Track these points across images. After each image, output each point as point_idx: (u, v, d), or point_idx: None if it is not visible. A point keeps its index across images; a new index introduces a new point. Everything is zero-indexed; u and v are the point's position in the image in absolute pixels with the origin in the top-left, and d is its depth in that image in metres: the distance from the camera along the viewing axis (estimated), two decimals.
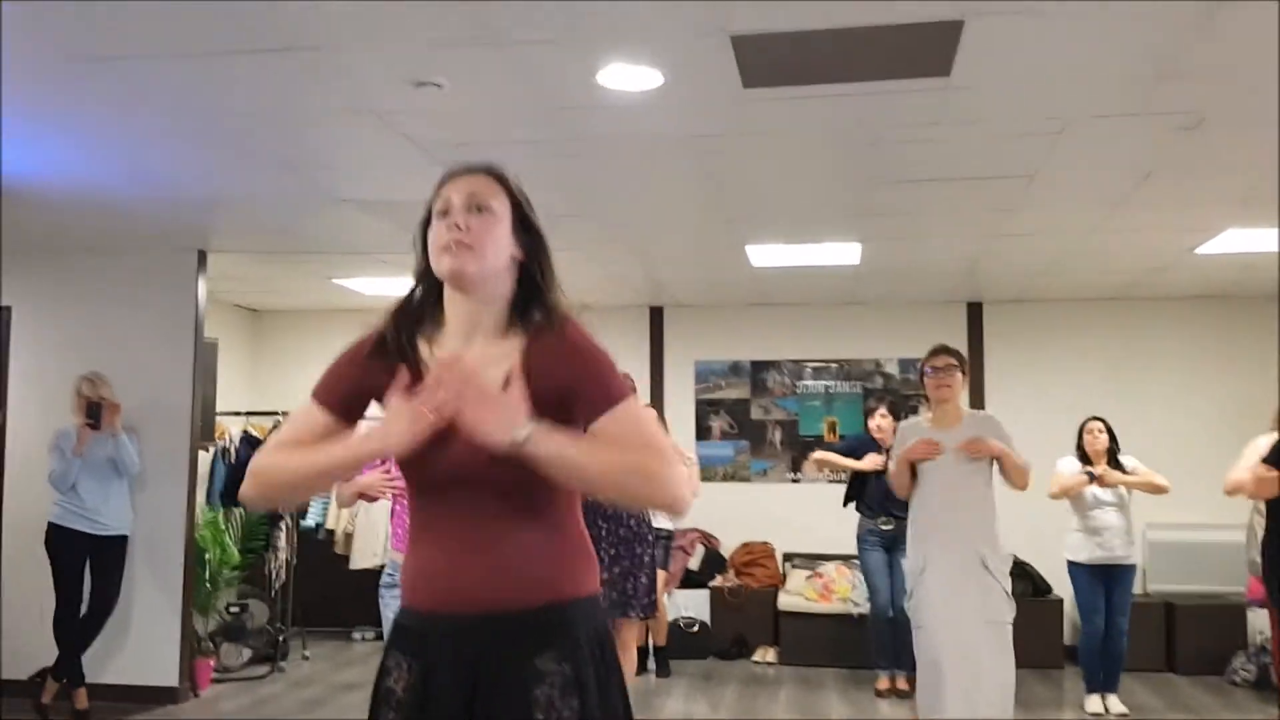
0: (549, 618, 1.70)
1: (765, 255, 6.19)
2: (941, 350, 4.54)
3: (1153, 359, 7.67)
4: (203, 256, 6.22)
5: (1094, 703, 5.85)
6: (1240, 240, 5.70)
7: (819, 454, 6.65)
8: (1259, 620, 6.58)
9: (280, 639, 6.93)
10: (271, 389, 8.55)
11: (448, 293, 1.81)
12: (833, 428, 8.08)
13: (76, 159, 4.39)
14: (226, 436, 7.30)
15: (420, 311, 1.85)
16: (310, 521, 7.63)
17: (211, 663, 6.49)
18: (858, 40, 3.12)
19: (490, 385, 1.66)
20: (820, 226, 5.55)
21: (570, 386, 1.71)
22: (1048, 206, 5.03)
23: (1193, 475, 6.30)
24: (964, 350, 7.77)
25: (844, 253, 6.16)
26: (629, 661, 4.91)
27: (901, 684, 6.19)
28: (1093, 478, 5.73)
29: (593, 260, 6.45)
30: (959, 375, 4.47)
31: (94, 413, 5.59)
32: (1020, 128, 3.91)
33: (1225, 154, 4.21)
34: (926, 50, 3.19)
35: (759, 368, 8.20)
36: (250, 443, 7.25)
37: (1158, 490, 5.75)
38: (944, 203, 5.02)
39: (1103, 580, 5.79)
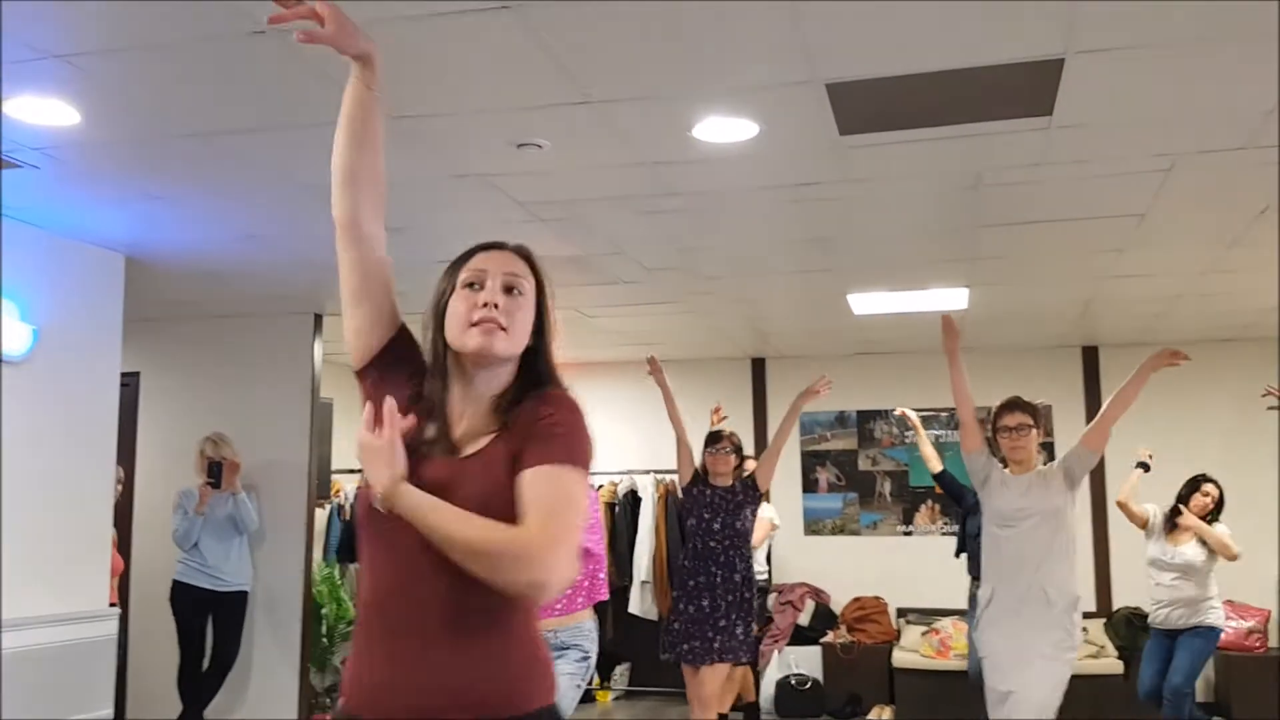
0: None
1: (868, 303, 6.13)
2: (1015, 406, 4.28)
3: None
4: (318, 319, 6.45)
5: None
6: None
7: (903, 410, 6.16)
8: None
9: None
10: None
11: (455, 365, 1.77)
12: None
13: (195, 230, 4.61)
14: (342, 494, 7.49)
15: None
16: None
17: (328, 717, 6.59)
18: (955, 82, 3.09)
19: (376, 439, 1.63)
20: (924, 272, 5.48)
21: (522, 441, 1.65)
22: (1160, 246, 4.87)
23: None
24: (1081, 396, 7.60)
25: (950, 298, 6.06)
26: (705, 708, 4.88)
27: None
28: (1146, 468, 5.70)
29: (692, 313, 6.47)
30: (1033, 433, 4.21)
31: (215, 472, 5.81)
32: (1127, 166, 3.81)
33: None
34: (1027, 90, 3.14)
35: (865, 418, 8.07)
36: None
37: (1226, 553, 5.48)
38: (1052, 244, 4.90)
39: (1171, 644, 5.57)
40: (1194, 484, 5.70)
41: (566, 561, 1.54)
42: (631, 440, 7.66)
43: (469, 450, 1.69)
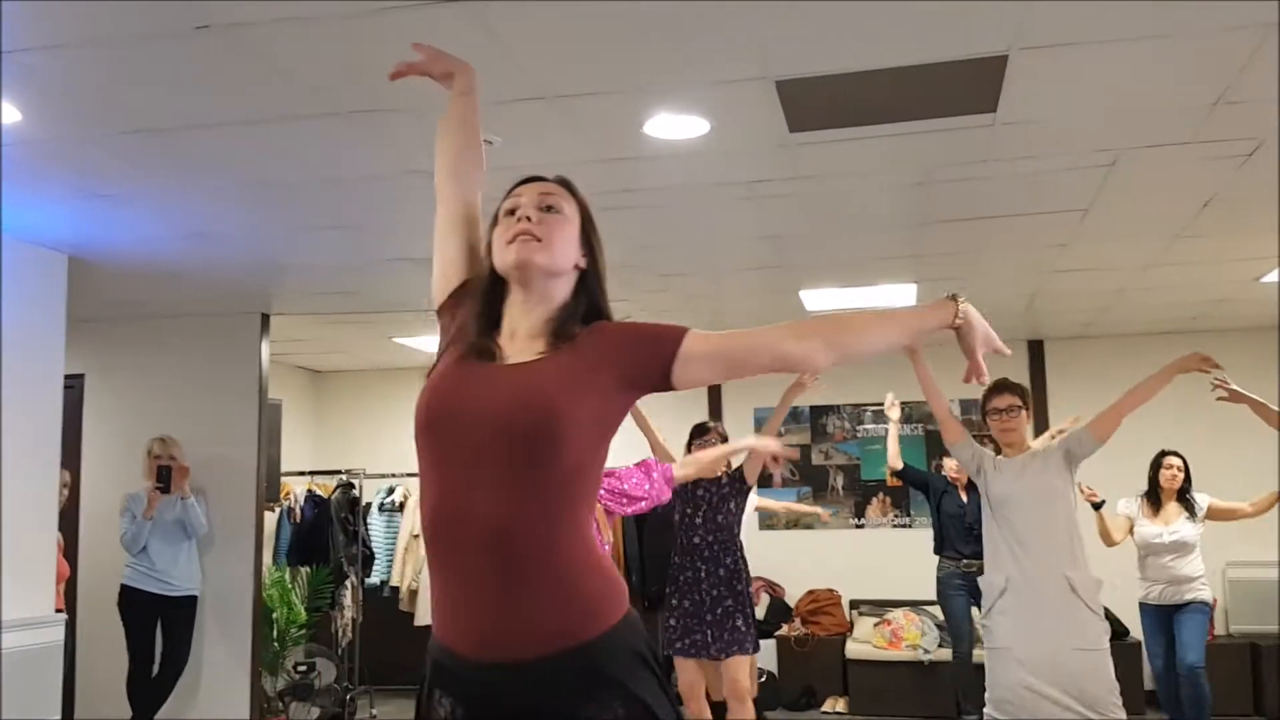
0: (584, 661, 1.60)
1: (819, 299, 6.18)
2: (1003, 388, 4.26)
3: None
4: (266, 319, 6.37)
5: None
6: None
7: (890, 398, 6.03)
8: None
9: (348, 697, 6.96)
10: (334, 448, 8.70)
11: (510, 293, 1.78)
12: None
13: (140, 229, 4.54)
14: (291, 496, 7.41)
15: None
16: (375, 579, 7.69)
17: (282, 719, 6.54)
18: (901, 80, 3.14)
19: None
20: (874, 268, 5.54)
21: (617, 360, 1.68)
22: (1104, 240, 4.97)
23: (1271, 511, 6.10)
24: (1027, 388, 7.71)
25: (899, 294, 6.13)
26: (740, 701, 4.87)
27: None
28: (1098, 506, 5.62)
29: (646, 310, 6.49)
30: (1023, 414, 4.21)
31: (164, 476, 5.72)
32: (1071, 161, 3.88)
33: None
34: (971, 87, 3.19)
35: (818, 413, 8.14)
36: (314, 501, 7.36)
37: (1240, 513, 5.62)
38: (997, 240, 4.98)
39: (1167, 619, 5.67)
40: (1157, 462, 5.81)
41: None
42: None
43: (512, 360, 1.70)
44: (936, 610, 7.26)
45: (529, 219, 1.74)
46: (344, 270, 5.37)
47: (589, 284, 1.80)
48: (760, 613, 7.57)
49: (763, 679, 7.22)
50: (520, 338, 1.74)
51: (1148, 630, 5.79)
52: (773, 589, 7.80)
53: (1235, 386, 4.58)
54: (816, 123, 3.48)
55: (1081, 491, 5.61)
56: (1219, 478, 6.21)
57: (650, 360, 1.69)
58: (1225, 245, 5.14)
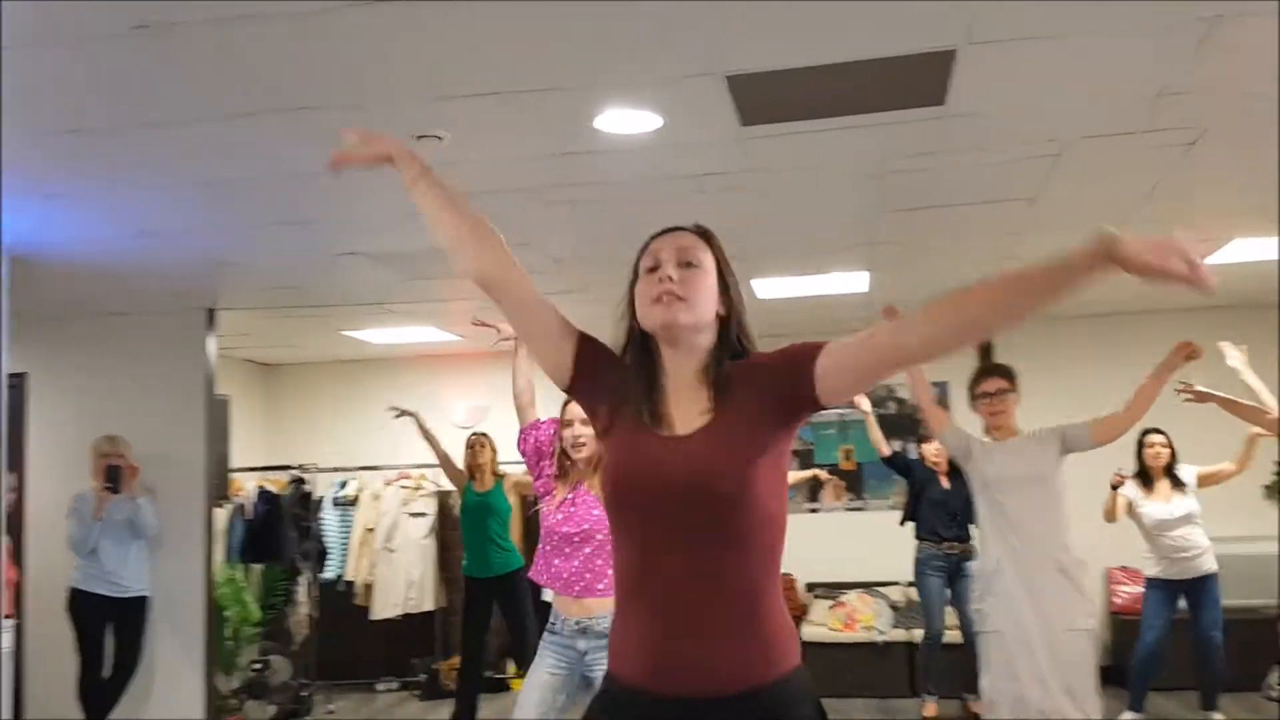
0: (767, 700, 1.67)
1: (771, 288, 6.21)
2: (991, 372, 4.29)
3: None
4: (212, 315, 6.27)
5: None
6: (1248, 250, 5.69)
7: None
8: None
9: (304, 694, 6.90)
10: (285, 443, 8.59)
11: (655, 352, 1.84)
12: (849, 455, 8.06)
13: (83, 226, 4.44)
14: (242, 493, 7.32)
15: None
16: (330, 574, 7.63)
17: (238, 718, 6.46)
18: (851, 74, 3.15)
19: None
20: (826, 257, 5.57)
21: (771, 387, 1.73)
22: (1052, 228, 5.03)
23: (1215, 488, 6.24)
24: (1015, 370, 7.80)
25: (852, 281, 6.17)
26: None
27: (931, 710, 6.15)
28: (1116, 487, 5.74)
29: (600, 303, 6.44)
30: (1012, 396, 4.23)
31: (113, 476, 5.61)
32: (1019, 152, 3.93)
33: (1227, 167, 4.21)
34: (920, 81, 3.21)
35: None
36: (266, 498, 7.27)
37: (1225, 474, 5.75)
38: (948, 229, 5.03)
39: (1175, 593, 5.79)
40: (1141, 442, 5.92)
41: None
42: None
43: (686, 429, 1.74)
44: (890, 592, 7.37)
45: (670, 278, 1.77)
46: (292, 265, 5.30)
47: (730, 329, 1.84)
48: None
49: None
50: (681, 392, 1.79)
51: (1155, 603, 5.83)
52: None
53: (1201, 388, 4.68)
54: (768, 116, 3.48)
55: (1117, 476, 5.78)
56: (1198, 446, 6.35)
57: (795, 385, 1.72)
58: (1168, 230, 5.19)
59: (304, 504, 7.34)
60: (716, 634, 1.66)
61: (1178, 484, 5.80)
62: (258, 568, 7.23)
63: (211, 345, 6.29)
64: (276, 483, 7.45)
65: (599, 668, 3.36)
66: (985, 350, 7.21)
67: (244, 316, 6.59)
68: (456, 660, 6.90)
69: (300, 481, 7.38)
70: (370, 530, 7.57)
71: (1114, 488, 5.78)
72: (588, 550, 3.50)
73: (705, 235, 1.87)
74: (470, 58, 2.92)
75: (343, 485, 7.87)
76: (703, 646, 1.66)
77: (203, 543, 6.12)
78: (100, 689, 5.64)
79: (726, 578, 1.67)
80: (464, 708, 5.96)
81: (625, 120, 3.46)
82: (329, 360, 8.65)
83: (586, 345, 1.91)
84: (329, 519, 7.77)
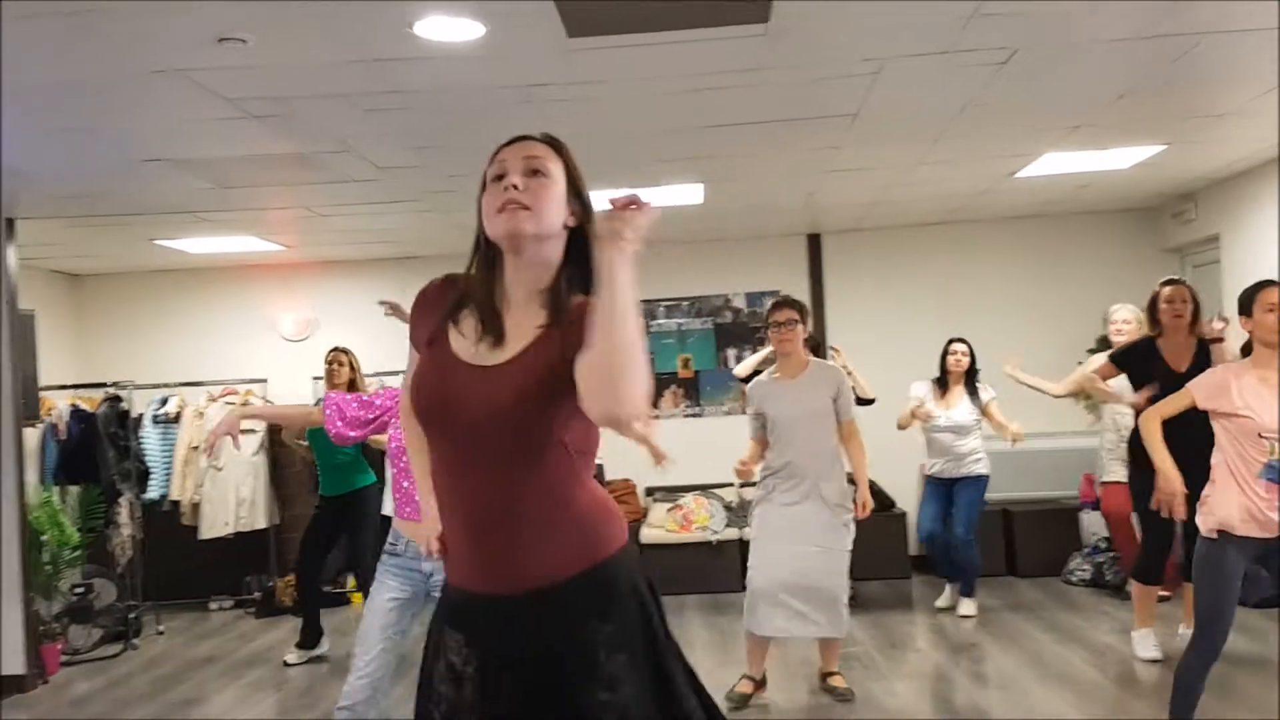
0: (588, 584, 1.77)
1: (604, 200, 6.16)
2: (783, 304, 4.65)
3: (981, 277, 8.02)
4: (11, 224, 5.84)
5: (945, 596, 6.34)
6: (1059, 163, 5.97)
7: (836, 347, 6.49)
8: (1092, 523, 7.05)
9: (131, 616, 6.70)
10: (99, 358, 8.16)
11: (501, 262, 1.82)
12: (687, 364, 8.21)
13: None
14: (54, 412, 6.93)
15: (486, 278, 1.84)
16: (154, 494, 7.36)
17: (60, 646, 6.23)
18: None
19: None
20: (659, 169, 5.56)
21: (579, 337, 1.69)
22: (872, 143, 5.16)
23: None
24: (805, 280, 8.06)
25: (687, 193, 6.20)
26: None
27: None
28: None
29: (434, 210, 6.32)
30: (799, 328, 4.59)
31: None
32: (839, 70, 3.99)
33: (1038, 84, 4.37)
34: None
35: None
36: (80, 417, 6.91)
37: (1005, 431, 6.06)
38: (774, 143, 5.09)
39: (947, 491, 6.21)
40: (945, 349, 6.25)
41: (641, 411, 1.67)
42: (386, 342, 7.24)
43: (513, 349, 1.76)
44: (724, 493, 7.62)
45: (515, 187, 1.75)
46: (93, 172, 4.97)
47: (581, 241, 1.82)
48: None
49: None
50: (518, 304, 1.80)
51: (926, 497, 6.29)
52: None
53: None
54: (594, 29, 3.42)
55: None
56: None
57: (577, 347, 1.69)
58: (983, 144, 5.42)
59: (121, 422, 7.00)
60: (526, 540, 1.74)
61: (973, 393, 6.16)
62: (75, 490, 6.90)
63: (11, 256, 5.87)
64: (90, 401, 7.08)
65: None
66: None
67: (46, 226, 6.16)
68: (292, 578, 6.82)
69: (116, 400, 7.04)
70: (195, 449, 7.30)
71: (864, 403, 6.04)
72: None
73: (555, 145, 1.85)
74: None
75: (163, 402, 7.54)
76: (515, 552, 1.75)
77: (13, 464, 5.79)
78: None
79: (529, 492, 1.74)
80: (311, 623, 5.95)
81: (447, 28, 3.34)
82: (143, 270, 8.19)
83: (421, 321, 1.89)
84: (150, 437, 7.44)
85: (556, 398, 1.70)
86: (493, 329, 1.78)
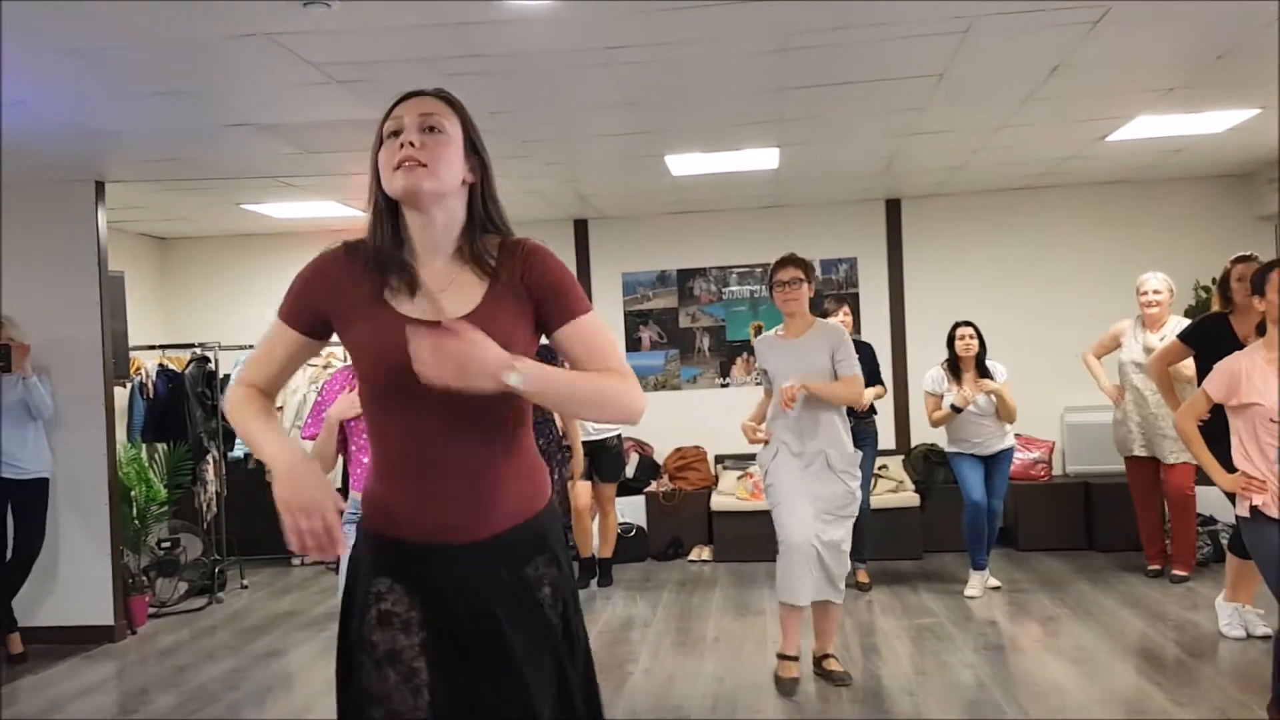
0: (529, 531, 1.86)
1: (685, 164, 6.13)
2: (788, 262, 4.54)
3: (1066, 243, 7.82)
4: (100, 187, 6.00)
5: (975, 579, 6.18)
6: (1151, 126, 5.77)
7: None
8: None
9: (216, 570, 6.91)
10: (185, 319, 8.38)
11: (402, 220, 1.84)
12: (759, 331, 8.14)
13: None
14: (143, 371, 7.15)
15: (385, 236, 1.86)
16: (238, 452, 7.55)
17: (147, 599, 6.45)
18: None
19: (461, 342, 1.62)
20: (737, 133, 5.50)
21: (537, 299, 1.82)
22: (958, 104, 5.03)
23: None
24: (883, 247, 7.94)
25: (762, 158, 6.13)
26: None
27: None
28: (956, 410, 5.98)
29: (508, 175, 6.34)
30: (804, 287, 4.50)
31: (3, 354, 5.42)
32: (925, 28, 3.88)
33: (1132, 44, 4.22)
34: None
35: (685, 276, 8.20)
36: (167, 376, 7.11)
37: (1008, 414, 5.98)
38: (856, 105, 4.99)
39: (980, 462, 6.11)
40: (952, 334, 6.10)
41: (639, 389, 1.85)
42: None
43: (461, 310, 1.78)
44: None
45: (412, 144, 1.76)
46: (177, 137, 5.06)
47: (480, 196, 1.86)
48: (630, 471, 7.76)
49: (632, 533, 7.47)
50: (440, 265, 1.83)
51: (968, 469, 6.11)
52: (642, 449, 7.97)
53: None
54: None
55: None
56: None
57: (552, 315, 1.84)
58: (1073, 107, 5.26)
59: (209, 382, 7.20)
60: (488, 490, 1.81)
61: (985, 376, 6.02)
62: (161, 447, 7.11)
63: (102, 219, 6.03)
64: (178, 361, 7.28)
65: None
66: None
67: (136, 190, 6.31)
68: None
69: (203, 360, 7.22)
70: (280, 409, 7.48)
71: (953, 407, 5.99)
72: None
73: (450, 101, 1.86)
74: None
75: None
76: (478, 502, 1.80)
77: (104, 423, 5.98)
78: (2, 572, 5.57)
79: (493, 440, 1.81)
80: None
81: None
82: (229, 234, 8.37)
83: (314, 291, 1.88)
84: None
85: (515, 347, 1.72)
86: (409, 280, 1.80)
